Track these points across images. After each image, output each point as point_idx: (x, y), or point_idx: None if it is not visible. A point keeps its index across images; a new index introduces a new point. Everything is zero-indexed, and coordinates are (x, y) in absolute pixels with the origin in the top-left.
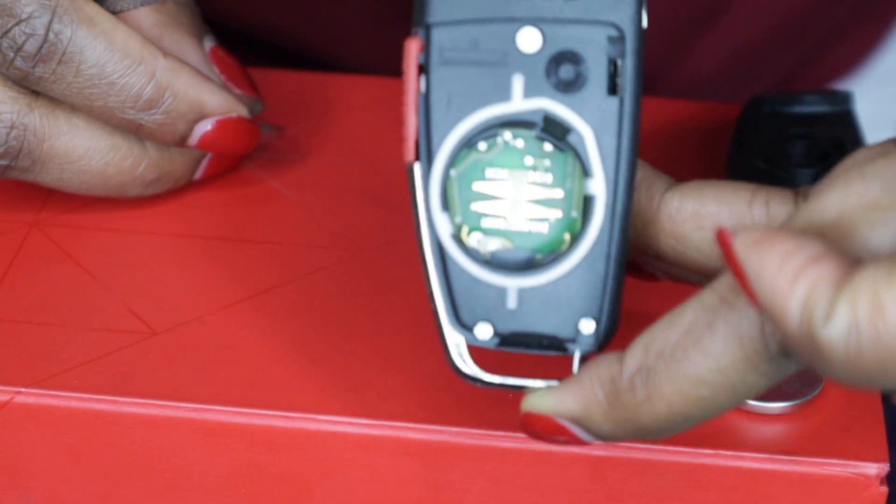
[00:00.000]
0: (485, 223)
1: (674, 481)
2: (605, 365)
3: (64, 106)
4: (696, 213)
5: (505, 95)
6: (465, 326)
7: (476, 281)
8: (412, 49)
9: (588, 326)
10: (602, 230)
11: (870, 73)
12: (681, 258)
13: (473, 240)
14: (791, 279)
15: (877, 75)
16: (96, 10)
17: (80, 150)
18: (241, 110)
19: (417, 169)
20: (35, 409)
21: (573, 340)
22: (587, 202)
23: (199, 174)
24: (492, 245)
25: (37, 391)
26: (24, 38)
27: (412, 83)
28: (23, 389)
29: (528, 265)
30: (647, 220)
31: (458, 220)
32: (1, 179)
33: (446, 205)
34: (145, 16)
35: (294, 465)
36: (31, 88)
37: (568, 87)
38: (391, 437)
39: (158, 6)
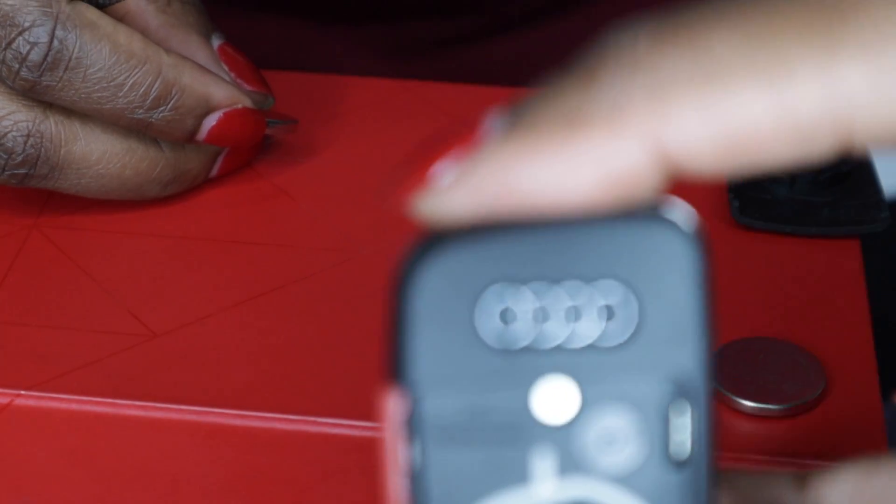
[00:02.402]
0: None
1: None
2: None
3: (78, 112)
4: None
5: (526, 480)
6: None
7: None
8: (395, 414)
9: None
10: None
11: None
12: None
13: None
14: None
15: None
16: (97, 14)
17: (97, 154)
18: (245, 101)
19: None
20: (35, 412)
21: None
22: None
23: (214, 171)
24: None
25: (37, 394)
26: (28, 47)
27: (397, 459)
28: (23, 392)
29: None
30: None
31: None
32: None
33: None
34: (152, 17)
35: (294, 467)
36: (38, 99)
37: (614, 463)
38: None
39: (164, 7)
